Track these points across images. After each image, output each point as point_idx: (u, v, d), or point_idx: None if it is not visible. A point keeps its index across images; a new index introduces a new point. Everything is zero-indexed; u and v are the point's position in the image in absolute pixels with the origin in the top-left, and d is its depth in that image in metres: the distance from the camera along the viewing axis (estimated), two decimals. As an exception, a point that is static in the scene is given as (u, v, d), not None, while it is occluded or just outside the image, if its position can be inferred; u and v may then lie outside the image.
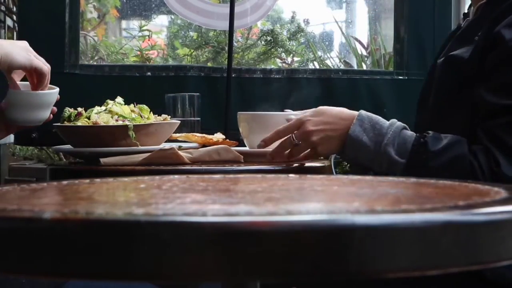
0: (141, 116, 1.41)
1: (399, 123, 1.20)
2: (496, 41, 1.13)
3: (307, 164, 1.32)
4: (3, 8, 3.37)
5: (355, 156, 1.23)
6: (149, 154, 1.28)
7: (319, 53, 3.21)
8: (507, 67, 1.12)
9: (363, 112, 1.22)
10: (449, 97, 1.24)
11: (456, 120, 1.20)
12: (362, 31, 3.46)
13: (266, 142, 1.28)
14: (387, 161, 1.16)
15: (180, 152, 1.29)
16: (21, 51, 1.20)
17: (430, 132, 1.16)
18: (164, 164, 1.27)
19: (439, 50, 1.39)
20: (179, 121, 1.49)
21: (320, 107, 1.26)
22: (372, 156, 1.18)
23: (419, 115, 1.35)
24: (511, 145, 1.09)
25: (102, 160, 1.29)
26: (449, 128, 1.18)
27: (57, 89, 1.32)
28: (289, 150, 1.27)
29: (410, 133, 1.18)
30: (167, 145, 1.36)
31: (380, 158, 1.17)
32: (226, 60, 2.38)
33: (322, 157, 1.38)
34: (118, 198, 0.66)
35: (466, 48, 1.20)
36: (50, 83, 1.29)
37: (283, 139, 1.27)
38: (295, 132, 1.24)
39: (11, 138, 2.46)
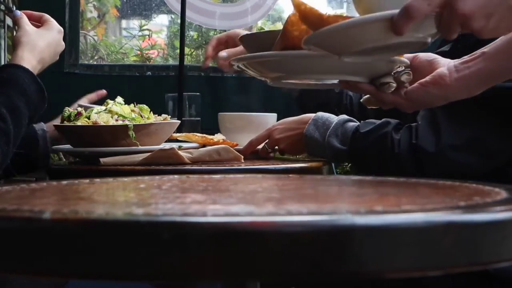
0: (141, 116, 1.41)
1: (344, 116, 1.30)
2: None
3: (307, 164, 1.32)
4: (2, 7, 3.37)
5: (313, 153, 1.35)
6: (149, 154, 1.28)
7: (319, 52, 3.20)
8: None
9: (320, 113, 1.34)
10: None
11: None
12: (362, 31, 3.45)
13: (243, 153, 1.39)
14: (332, 151, 1.27)
15: (180, 152, 1.29)
16: (55, 56, 1.27)
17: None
18: (164, 164, 1.27)
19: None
20: (179, 121, 1.49)
21: (283, 119, 1.41)
22: (323, 149, 1.29)
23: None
24: (437, 118, 1.13)
25: (102, 160, 1.28)
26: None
27: None
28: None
29: (353, 123, 1.28)
30: (167, 145, 1.36)
31: (327, 149, 1.28)
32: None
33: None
34: (118, 198, 0.66)
35: (450, 44, 1.20)
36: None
37: (260, 145, 1.42)
38: (266, 141, 1.40)
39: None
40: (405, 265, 0.43)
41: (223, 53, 1.62)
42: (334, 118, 1.30)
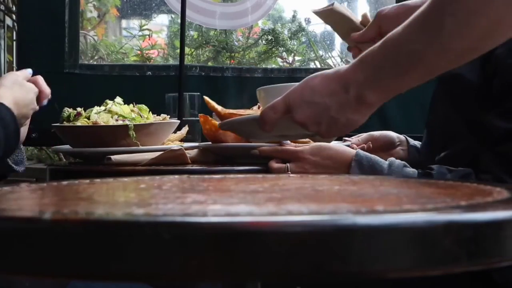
0: (140, 115, 1.41)
1: (398, 162, 1.19)
2: (498, 64, 1.10)
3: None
4: (2, 7, 3.37)
5: None
6: (160, 153, 1.28)
7: (320, 52, 3.21)
8: None
9: (360, 152, 1.21)
10: (455, 109, 1.22)
11: (462, 128, 1.18)
12: (362, 30, 3.44)
13: (260, 153, 1.28)
14: None
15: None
16: (29, 110, 1.22)
17: (433, 167, 1.13)
18: (164, 164, 1.27)
19: None
20: (179, 121, 1.49)
21: (319, 145, 1.25)
22: None
23: (431, 115, 1.34)
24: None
25: (113, 157, 1.28)
26: (456, 133, 1.17)
27: None
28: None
29: (411, 170, 1.17)
30: (174, 146, 1.36)
31: None
32: (228, 59, 2.37)
33: None
34: (118, 199, 0.66)
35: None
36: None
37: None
38: (289, 163, 1.25)
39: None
40: (406, 265, 0.43)
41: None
42: (383, 163, 1.18)
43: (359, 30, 1.19)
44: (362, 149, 1.32)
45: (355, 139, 1.49)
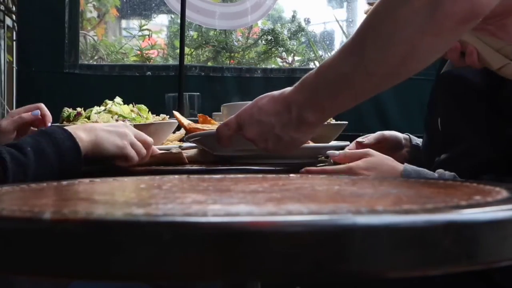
0: (140, 115, 1.41)
1: (448, 173, 1.14)
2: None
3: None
4: (2, 7, 3.37)
5: None
6: (158, 153, 1.28)
7: (320, 52, 3.21)
8: None
9: (407, 167, 1.18)
10: (456, 109, 1.20)
11: (470, 130, 1.17)
12: (362, 31, 3.44)
13: (308, 172, 1.20)
14: None
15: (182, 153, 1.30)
16: (115, 138, 1.18)
17: (485, 176, 1.10)
18: (163, 164, 1.27)
19: None
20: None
21: (373, 159, 1.21)
22: None
23: (430, 114, 1.34)
24: None
25: None
26: (456, 134, 1.17)
27: None
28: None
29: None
30: (173, 147, 1.36)
31: None
32: (227, 59, 2.37)
33: None
34: (118, 198, 0.66)
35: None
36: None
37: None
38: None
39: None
40: (406, 265, 0.43)
41: None
42: (430, 174, 1.14)
43: None
44: None
45: (367, 139, 1.48)
